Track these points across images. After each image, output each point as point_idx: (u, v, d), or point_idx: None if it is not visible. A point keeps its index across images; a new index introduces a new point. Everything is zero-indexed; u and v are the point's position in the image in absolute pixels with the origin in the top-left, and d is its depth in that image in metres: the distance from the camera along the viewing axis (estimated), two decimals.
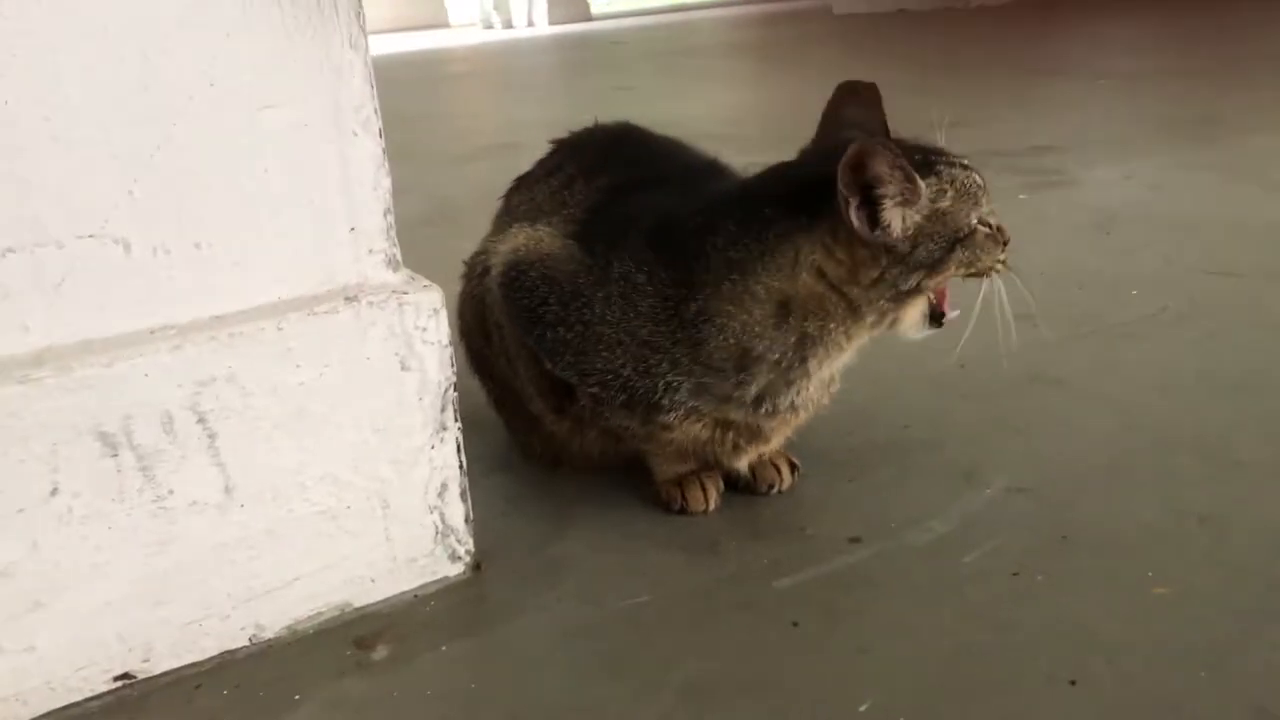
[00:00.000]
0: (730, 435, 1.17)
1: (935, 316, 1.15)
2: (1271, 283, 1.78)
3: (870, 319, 1.11)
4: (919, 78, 4.72)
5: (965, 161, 1.13)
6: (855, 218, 1.04)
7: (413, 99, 6.09)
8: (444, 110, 5.43)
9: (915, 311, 1.14)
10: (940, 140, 1.17)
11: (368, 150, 1.03)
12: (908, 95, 4.11)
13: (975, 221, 1.10)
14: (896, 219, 1.06)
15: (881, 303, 1.10)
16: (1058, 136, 3.03)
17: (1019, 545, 1.10)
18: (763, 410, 1.13)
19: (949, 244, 1.09)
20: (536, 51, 9.31)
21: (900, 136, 1.15)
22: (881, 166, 1.03)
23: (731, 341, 1.09)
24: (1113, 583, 1.03)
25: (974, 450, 1.30)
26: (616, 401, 1.15)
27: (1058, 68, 4.66)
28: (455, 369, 1.10)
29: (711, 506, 1.22)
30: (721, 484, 1.24)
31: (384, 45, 12.09)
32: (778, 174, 1.15)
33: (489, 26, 14.20)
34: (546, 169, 1.35)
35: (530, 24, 13.71)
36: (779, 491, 1.24)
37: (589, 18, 13.77)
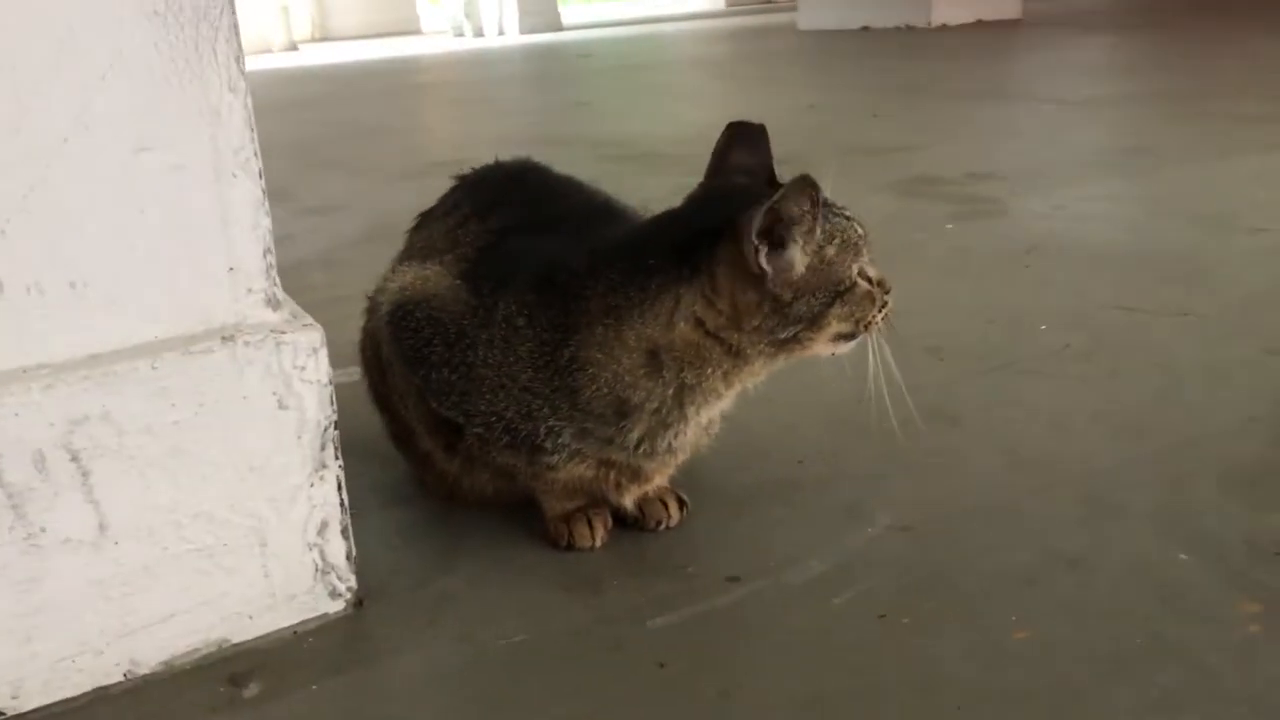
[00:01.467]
0: (613, 474, 1.18)
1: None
2: (1176, 320, 1.81)
3: (756, 364, 1.13)
4: (871, 99, 4.77)
5: (847, 212, 1.14)
6: (765, 262, 1.05)
7: (371, 110, 6.10)
8: (400, 123, 5.43)
9: (800, 356, 1.14)
10: (829, 181, 1.17)
11: (247, 191, 1.04)
12: (857, 118, 4.17)
13: (855, 274, 1.11)
14: (798, 264, 1.07)
15: (762, 346, 1.10)
16: (996, 164, 3.07)
17: (891, 586, 1.12)
18: (641, 452, 1.14)
19: (830, 297, 1.09)
20: (503, 62, 9.33)
21: (773, 178, 1.17)
22: (795, 210, 1.04)
23: (605, 390, 1.10)
24: (975, 626, 1.05)
25: (863, 488, 1.32)
26: (501, 442, 1.17)
27: (1008, 91, 4.72)
28: (335, 407, 1.11)
29: (597, 543, 1.23)
30: (609, 520, 1.25)
31: (352, 52, 12.09)
32: (664, 222, 1.16)
33: (460, 34, 14.20)
34: (445, 207, 1.36)
35: (501, 33, 13.72)
36: (666, 528, 1.26)
37: (560, 28, 13.80)
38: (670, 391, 1.11)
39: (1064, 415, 1.49)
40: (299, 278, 2.48)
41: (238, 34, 1.02)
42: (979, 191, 2.77)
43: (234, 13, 1.01)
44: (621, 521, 1.27)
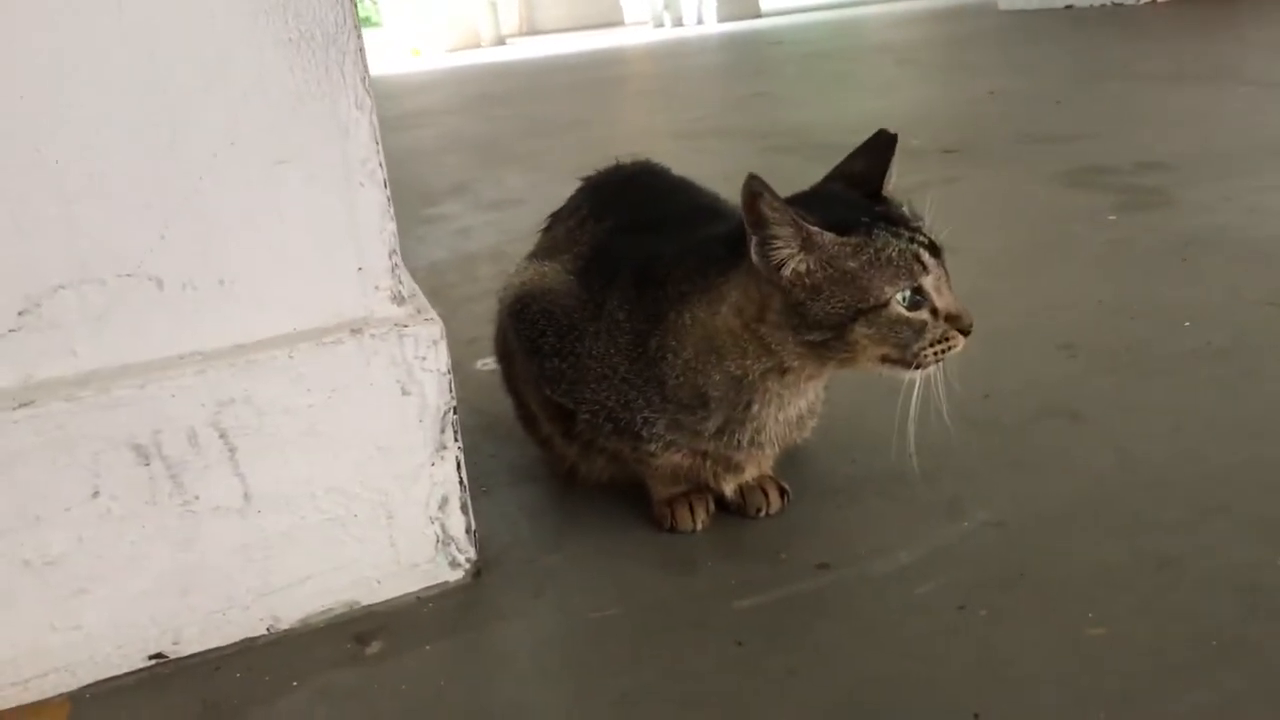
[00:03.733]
0: (709, 464, 1.25)
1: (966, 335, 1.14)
2: None
3: (795, 365, 1.14)
4: (1058, 84, 4.63)
5: (916, 234, 1.12)
6: (755, 252, 1.10)
7: (562, 104, 6.28)
8: (588, 117, 5.59)
9: (849, 368, 1.15)
10: (891, 179, 1.17)
11: (373, 199, 1.15)
12: (1039, 104, 4.07)
13: (889, 297, 1.09)
14: (788, 262, 1.10)
15: (791, 346, 1.13)
16: (1172, 152, 2.96)
17: (974, 579, 1.15)
18: (724, 443, 1.20)
19: (850, 311, 1.09)
20: (696, 52, 9.42)
21: (878, 189, 1.18)
22: (763, 208, 1.08)
23: (683, 379, 1.17)
24: (1051, 621, 1.07)
25: (965, 483, 1.35)
26: (606, 429, 1.25)
27: (1206, 73, 4.49)
28: (454, 394, 1.21)
29: (699, 527, 1.30)
30: (711, 505, 1.32)
31: (555, 46, 12.40)
32: (740, 221, 1.21)
33: (660, 25, 14.38)
34: (569, 208, 1.46)
35: (700, 21, 13.83)
36: (766, 515, 1.32)
37: (758, 14, 13.80)
38: (731, 384, 1.16)
39: (1189, 416, 1.47)
40: (469, 270, 2.64)
41: (364, 56, 1.12)
42: (1148, 182, 2.69)
43: (360, 38, 1.12)
44: (725, 507, 1.34)
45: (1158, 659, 1.01)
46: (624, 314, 1.21)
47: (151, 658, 1.16)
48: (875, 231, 1.10)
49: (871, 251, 1.10)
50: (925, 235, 1.12)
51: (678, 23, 14.07)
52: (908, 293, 1.09)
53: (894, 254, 1.09)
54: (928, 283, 1.10)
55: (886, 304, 1.09)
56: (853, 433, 1.39)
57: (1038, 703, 0.97)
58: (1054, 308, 1.93)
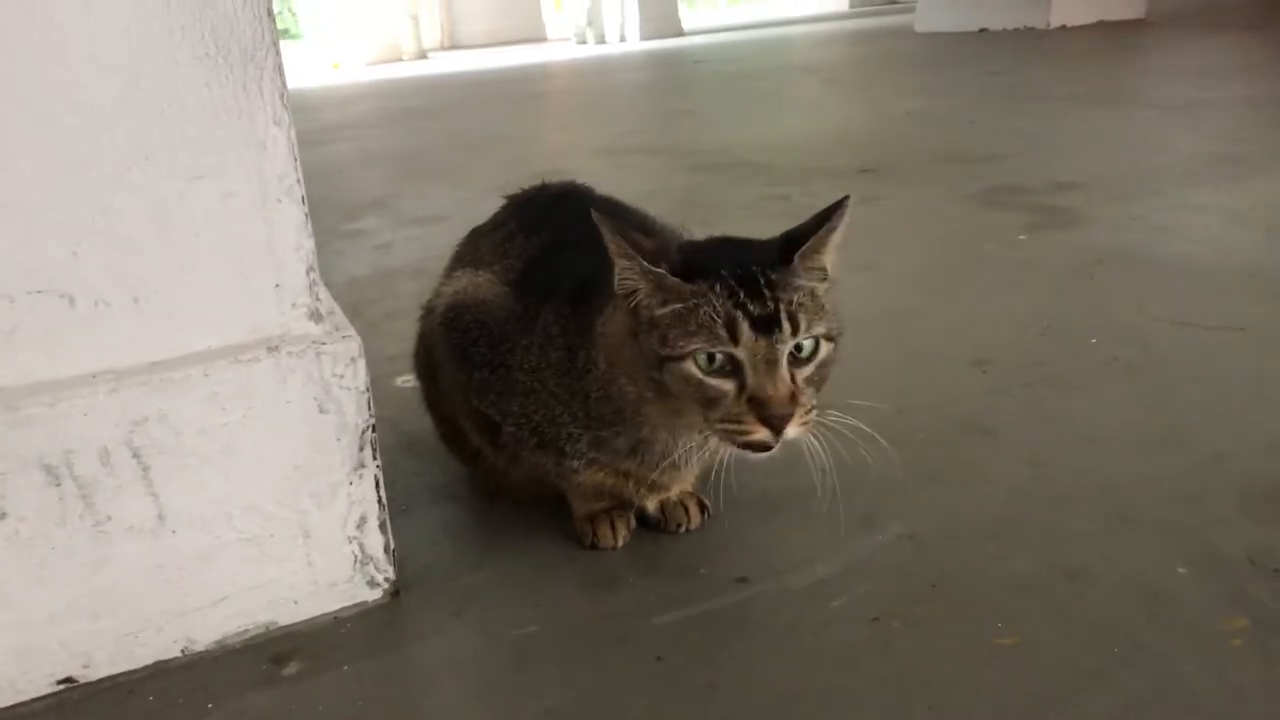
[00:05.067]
0: (631, 482, 1.26)
1: (747, 444, 1.08)
2: (1234, 336, 1.80)
3: (653, 400, 1.12)
4: (972, 105, 4.74)
5: (759, 303, 1.05)
6: (615, 280, 1.10)
7: (485, 119, 6.27)
8: (511, 133, 5.59)
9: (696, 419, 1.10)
10: (827, 243, 1.11)
11: (291, 216, 1.14)
12: (953, 125, 4.16)
13: (684, 351, 1.05)
14: (637, 293, 1.09)
15: (644, 377, 1.11)
16: (1083, 172, 3.05)
17: (890, 592, 1.18)
18: (638, 463, 1.21)
19: (658, 354, 1.07)
20: (619, 70, 9.46)
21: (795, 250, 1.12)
22: (608, 243, 1.08)
23: (599, 393, 1.17)
24: (964, 631, 1.10)
25: (881, 498, 1.37)
26: (530, 443, 1.26)
27: (1112, 96, 4.64)
28: (373, 412, 1.20)
29: (619, 543, 1.31)
30: (633, 522, 1.33)
31: (478, 61, 12.36)
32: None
33: (583, 41, 14.42)
34: (494, 223, 1.46)
35: (623, 39, 13.90)
36: (687, 531, 1.33)
37: (680, 33, 13.90)
38: (629, 404, 1.16)
39: (1098, 429, 1.51)
40: (390, 286, 2.62)
41: (282, 73, 1.12)
42: (1059, 202, 2.76)
43: (278, 54, 1.11)
44: (646, 523, 1.34)
45: (1066, 665, 1.04)
46: (558, 329, 1.21)
47: (60, 683, 1.13)
48: (716, 287, 1.06)
49: (691, 303, 1.06)
50: (771, 310, 1.05)
51: (600, 40, 14.12)
52: (709, 356, 1.05)
53: (708, 313, 1.05)
54: (742, 355, 1.05)
55: (681, 358, 1.06)
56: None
57: (949, 712, 0.99)
58: (967, 324, 1.97)
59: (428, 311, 1.44)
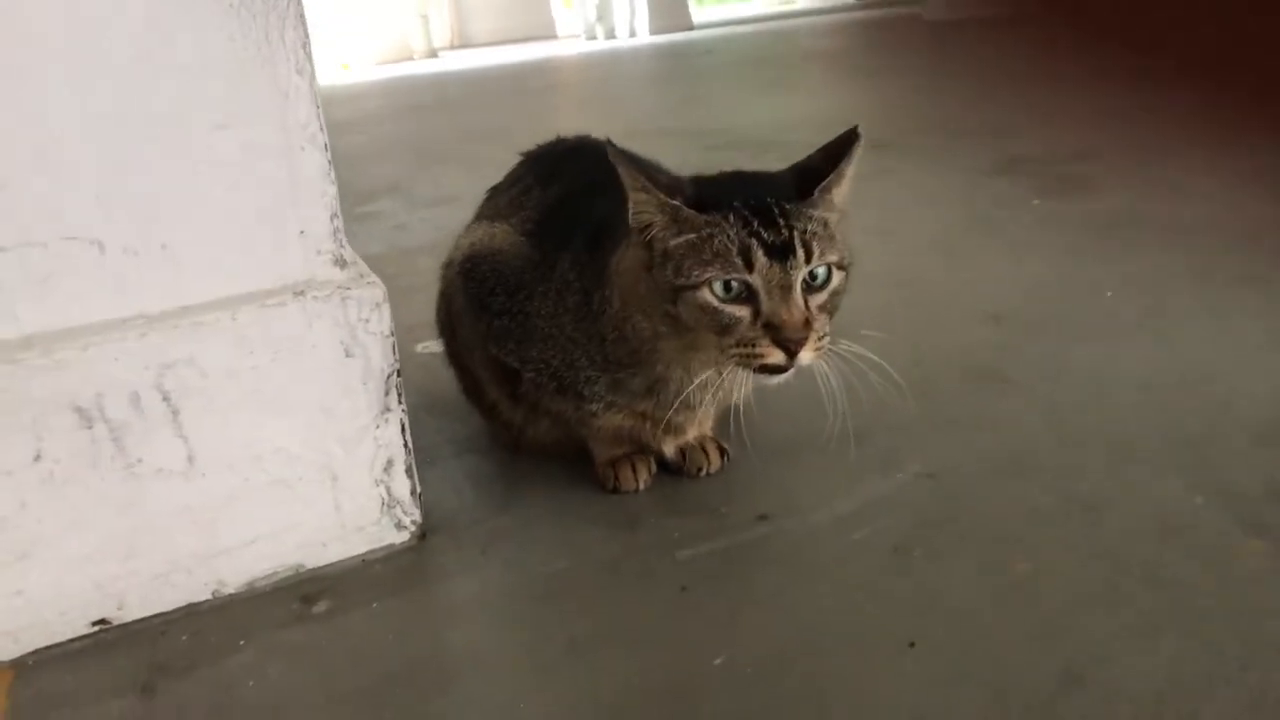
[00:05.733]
0: (649, 425, 1.28)
1: (764, 368, 1.09)
2: (1244, 288, 1.81)
3: (672, 334, 1.15)
4: (980, 85, 4.74)
5: (773, 232, 1.07)
6: (630, 214, 1.13)
7: (499, 113, 6.28)
8: (526, 123, 5.59)
9: (713, 350, 1.12)
10: (843, 177, 1.13)
11: (314, 163, 1.17)
12: (961, 102, 4.15)
13: (701, 280, 1.08)
14: (652, 227, 1.12)
15: (662, 310, 1.13)
16: (1092, 143, 3.05)
17: (909, 525, 1.19)
18: (655, 403, 1.23)
19: (673, 285, 1.10)
20: (630, 62, 9.46)
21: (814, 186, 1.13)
22: (622, 176, 1.10)
23: (615, 334, 1.19)
24: (981, 559, 1.12)
25: (899, 440, 1.39)
26: (550, 388, 1.28)
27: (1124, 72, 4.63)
28: (398, 357, 1.22)
29: (641, 486, 1.33)
30: (653, 466, 1.35)
31: (488, 58, 12.38)
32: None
33: (592, 37, 14.42)
34: (510, 179, 1.49)
35: (632, 34, 13.90)
36: (707, 474, 1.35)
37: (690, 27, 13.89)
38: (643, 342, 1.18)
39: (1109, 378, 1.53)
40: (408, 263, 2.64)
41: (304, 22, 1.14)
42: (1072, 170, 2.77)
43: (300, 3, 1.13)
44: (666, 468, 1.36)
45: (1083, 589, 1.05)
46: (574, 274, 1.23)
47: (95, 623, 1.16)
48: (730, 217, 1.08)
49: (705, 233, 1.08)
50: (786, 237, 1.07)
51: (610, 35, 14.11)
52: (725, 283, 1.07)
53: (723, 242, 1.07)
54: (756, 282, 1.07)
55: (697, 287, 1.08)
56: (789, 394, 1.41)
57: (969, 630, 1.00)
58: (982, 282, 1.99)
59: (447, 265, 1.46)
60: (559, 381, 1.26)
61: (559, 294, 1.25)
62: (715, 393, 1.19)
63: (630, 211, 1.12)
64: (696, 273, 1.08)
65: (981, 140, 3.32)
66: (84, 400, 1.10)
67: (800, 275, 1.07)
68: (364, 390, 1.21)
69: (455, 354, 1.49)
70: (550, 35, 17.65)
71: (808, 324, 1.07)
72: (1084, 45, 5.82)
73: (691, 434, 1.33)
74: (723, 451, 1.36)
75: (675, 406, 1.22)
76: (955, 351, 1.66)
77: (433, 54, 15.62)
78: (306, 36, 1.15)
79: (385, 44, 15.25)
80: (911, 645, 0.99)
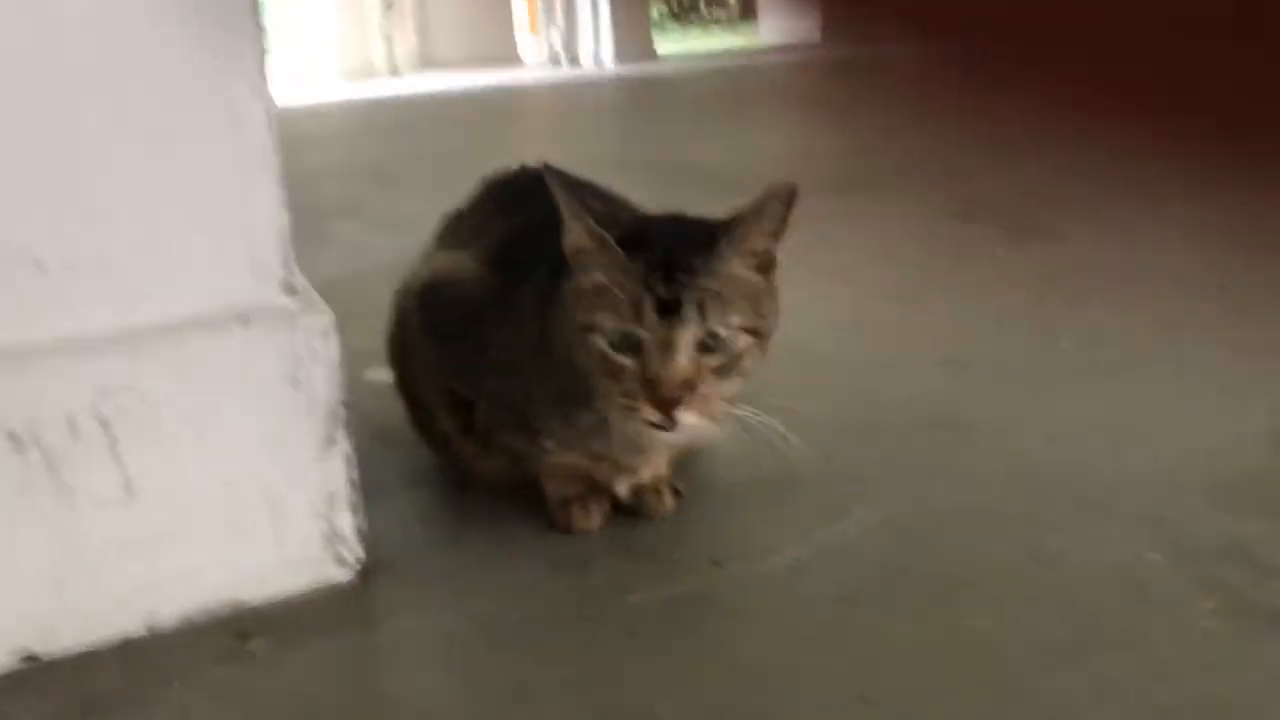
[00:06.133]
0: (604, 465, 1.25)
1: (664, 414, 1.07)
2: (1210, 337, 1.83)
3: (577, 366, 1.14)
4: (938, 126, 4.78)
5: (669, 288, 1.06)
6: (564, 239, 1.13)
7: (461, 138, 6.26)
8: (488, 148, 5.58)
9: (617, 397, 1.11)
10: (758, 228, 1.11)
11: (266, 186, 1.14)
12: (922, 143, 4.19)
13: (593, 324, 1.09)
14: (571, 246, 1.13)
15: (573, 343, 1.13)
16: (1054, 185, 3.08)
17: (862, 575, 1.17)
18: (602, 442, 1.21)
19: (577, 325, 1.11)
20: (593, 91, 9.47)
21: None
22: (554, 193, 1.11)
23: (564, 364, 1.16)
24: (937, 612, 1.10)
25: (855, 487, 1.37)
26: (504, 421, 1.25)
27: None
28: (345, 388, 1.19)
29: (594, 527, 1.30)
30: (607, 507, 1.32)
31: (451, 81, 12.36)
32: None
33: (556, 64, 14.45)
34: (472, 206, 1.47)
35: (597, 63, 13.94)
36: (660, 517, 1.32)
37: (654, 58, 13.97)
38: (582, 376, 1.15)
39: (1071, 425, 1.52)
40: (361, 285, 2.59)
41: (261, 42, 1.11)
42: (1032, 213, 2.79)
43: (259, 23, 1.11)
44: (619, 508, 1.34)
45: (1042, 644, 1.04)
46: (534, 305, 1.21)
47: (23, 659, 1.11)
48: (636, 264, 1.08)
49: (613, 276, 1.09)
50: (678, 294, 1.06)
51: (574, 63, 14.15)
52: (615, 331, 1.08)
53: (622, 289, 1.07)
54: (644, 337, 1.06)
55: (591, 329, 1.09)
56: (742, 439, 1.40)
57: (923, 686, 0.99)
58: (939, 326, 1.99)
59: (403, 292, 1.43)
60: (514, 415, 1.24)
61: (517, 326, 1.23)
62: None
63: (565, 235, 1.12)
64: (593, 315, 1.08)
65: (942, 181, 3.35)
66: (16, 424, 1.06)
67: (688, 334, 1.06)
68: (309, 421, 1.18)
69: (406, 384, 1.46)
70: (514, 60, 17.65)
71: (689, 385, 1.06)
72: (1030, 79, 5.90)
73: (645, 475, 1.30)
74: (677, 494, 1.34)
75: (624, 447, 1.19)
76: (912, 397, 1.66)
77: (395, 73, 15.55)
78: (263, 57, 1.12)
79: (347, 62, 15.17)
80: (862, 699, 0.97)
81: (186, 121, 1.10)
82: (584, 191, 1.19)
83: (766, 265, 1.14)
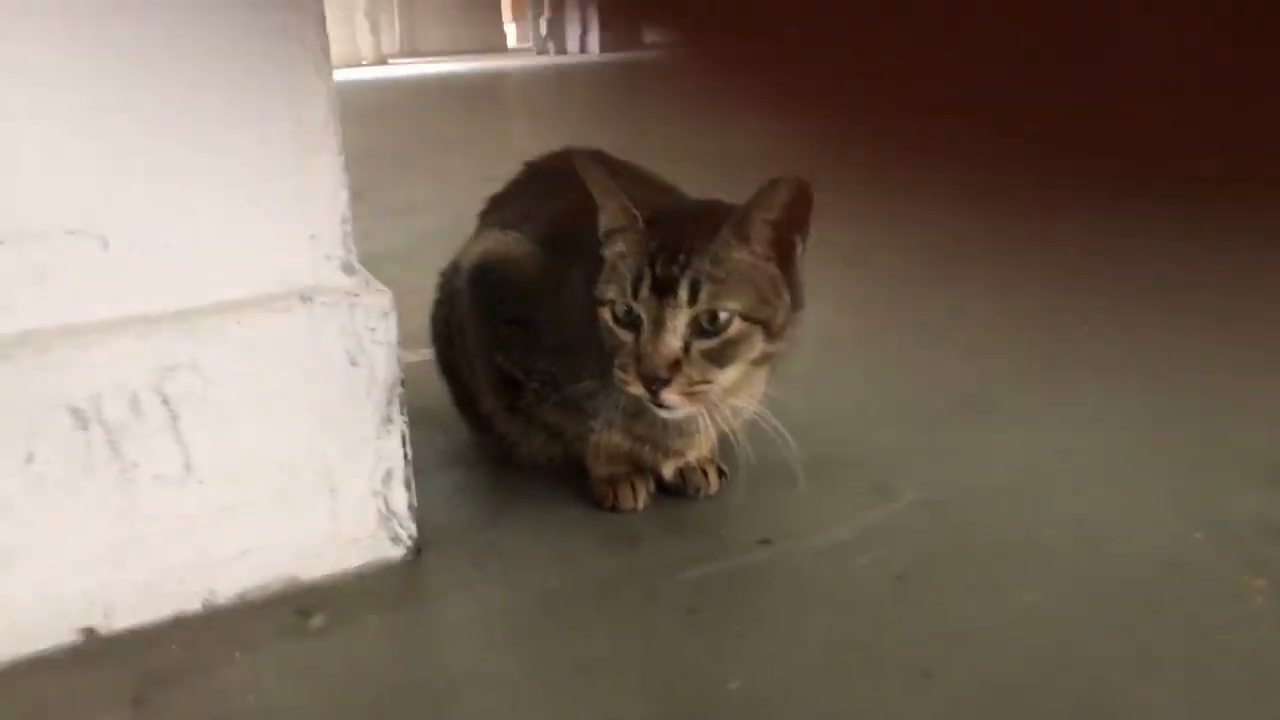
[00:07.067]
0: (647, 447, 1.27)
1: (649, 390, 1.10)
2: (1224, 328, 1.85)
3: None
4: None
5: (667, 267, 1.09)
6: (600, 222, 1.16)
7: (455, 123, 6.27)
8: (483, 132, 5.59)
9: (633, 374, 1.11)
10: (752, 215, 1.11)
11: (328, 166, 1.15)
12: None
13: (603, 297, 1.13)
14: (610, 224, 1.16)
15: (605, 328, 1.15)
16: None
17: (909, 552, 1.19)
18: (644, 422, 1.23)
19: (595, 299, 1.15)
20: (581, 78, 9.49)
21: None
22: (587, 182, 1.15)
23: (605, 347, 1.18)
24: (986, 588, 1.12)
25: (894, 468, 1.39)
26: (552, 400, 1.26)
27: None
28: (403, 368, 1.20)
29: (639, 505, 1.31)
30: (652, 485, 1.34)
31: (436, 68, 12.33)
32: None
33: (543, 52, 14.44)
34: (518, 187, 1.47)
35: (584, 50, 13.92)
36: (705, 496, 1.34)
37: (640, 45, 13.95)
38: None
39: (1104, 409, 1.55)
40: (375, 271, 2.60)
41: (324, 22, 1.12)
42: None
43: (323, 6, 1.11)
44: (664, 489, 1.35)
45: (1091, 620, 1.06)
46: (583, 285, 1.22)
47: (81, 632, 1.12)
48: (651, 243, 1.11)
49: (625, 254, 1.13)
50: (674, 274, 1.09)
51: (561, 50, 14.14)
52: (618, 305, 1.12)
53: (629, 265, 1.12)
54: (640, 311, 1.10)
55: (602, 303, 1.14)
56: (783, 423, 1.42)
57: (982, 660, 1.01)
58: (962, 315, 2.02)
59: (451, 271, 1.44)
60: (562, 395, 1.25)
61: (568, 305, 1.24)
62: (705, 419, 1.18)
63: (600, 215, 1.16)
64: (606, 290, 1.13)
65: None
66: (80, 401, 1.06)
67: (680, 316, 1.09)
68: (368, 400, 1.19)
69: (449, 363, 1.47)
70: (501, 48, 17.63)
71: (675, 366, 1.08)
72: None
73: (691, 456, 1.32)
74: (721, 473, 1.36)
75: (666, 430, 1.22)
76: (944, 384, 1.68)
77: (382, 61, 15.51)
78: (326, 37, 1.13)
79: (335, 48, 15.09)
80: (926, 675, 0.99)
81: (250, 101, 1.10)
82: (622, 176, 1.20)
83: (784, 256, 1.14)
